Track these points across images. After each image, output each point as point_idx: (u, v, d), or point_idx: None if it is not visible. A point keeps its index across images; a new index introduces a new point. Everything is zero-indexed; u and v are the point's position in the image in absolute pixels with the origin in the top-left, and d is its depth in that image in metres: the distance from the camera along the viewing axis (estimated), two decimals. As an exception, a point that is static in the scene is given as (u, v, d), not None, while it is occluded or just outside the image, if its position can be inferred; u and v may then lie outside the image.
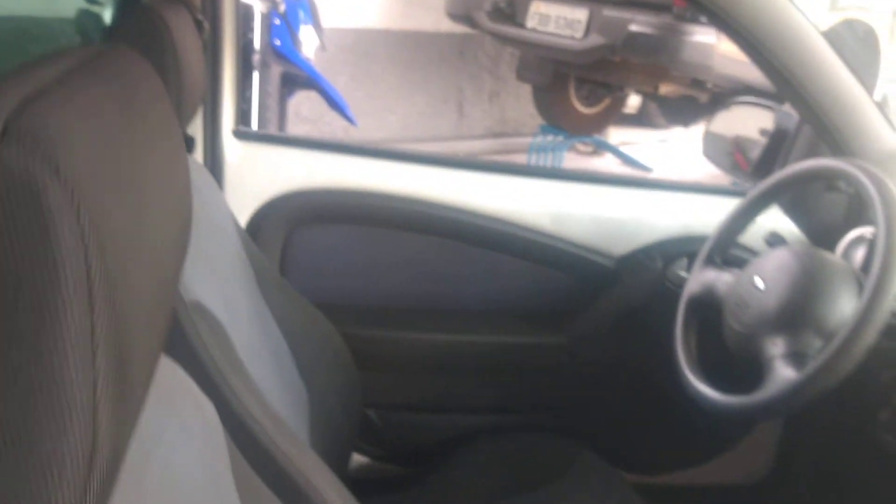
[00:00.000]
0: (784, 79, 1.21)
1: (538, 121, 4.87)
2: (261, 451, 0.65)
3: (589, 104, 4.81)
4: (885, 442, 1.14)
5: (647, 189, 1.50)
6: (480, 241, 1.39)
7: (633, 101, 5.27)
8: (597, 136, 4.83)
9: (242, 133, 1.34)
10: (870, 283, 0.93)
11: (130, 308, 0.27)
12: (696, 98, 4.18)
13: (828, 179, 1.17)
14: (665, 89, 4.11)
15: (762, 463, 1.59)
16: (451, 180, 1.39)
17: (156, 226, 0.31)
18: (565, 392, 1.49)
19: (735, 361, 1.09)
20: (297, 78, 3.26)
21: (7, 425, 0.23)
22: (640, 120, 5.40)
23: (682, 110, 4.44)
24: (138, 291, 0.28)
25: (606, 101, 4.87)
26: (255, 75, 2.91)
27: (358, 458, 1.42)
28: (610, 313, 1.42)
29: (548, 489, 1.25)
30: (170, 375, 0.52)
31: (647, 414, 1.51)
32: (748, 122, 1.54)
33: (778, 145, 1.43)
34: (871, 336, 0.91)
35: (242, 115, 1.41)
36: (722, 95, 3.71)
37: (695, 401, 1.11)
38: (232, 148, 1.32)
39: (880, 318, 0.91)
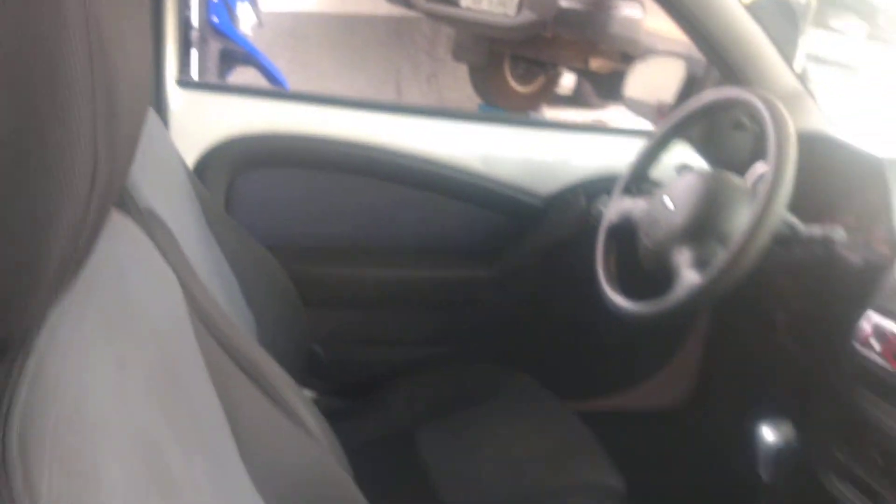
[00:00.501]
0: (690, 21, 1.32)
1: (476, 101, 4.97)
2: (222, 336, 0.69)
3: (524, 83, 4.93)
4: (785, 344, 1.27)
5: (571, 132, 1.61)
6: (416, 183, 1.47)
7: (568, 83, 5.41)
8: (533, 115, 4.95)
9: (185, 82, 1.39)
10: (762, 191, 1.05)
11: (118, 72, 0.34)
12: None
13: (725, 109, 1.28)
14: (595, 64, 4.25)
15: (685, 387, 1.71)
16: (387, 125, 1.46)
17: (134, 28, 0.38)
18: (499, 324, 1.58)
19: (649, 276, 1.20)
20: (235, 54, 3.28)
21: (28, 139, 0.30)
22: (575, 101, 5.54)
23: (614, 86, 4.58)
24: (124, 66, 0.35)
25: (541, 80, 4.99)
26: (194, 52, 2.93)
27: (305, 393, 1.49)
28: (538, 248, 1.53)
29: (486, 411, 1.34)
30: (135, 236, 0.58)
31: (576, 342, 1.62)
32: (662, 74, 1.66)
33: (689, 91, 1.55)
34: (763, 239, 1.02)
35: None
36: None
37: (615, 314, 1.21)
38: (175, 96, 1.37)
39: (771, 223, 1.02)
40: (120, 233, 0.52)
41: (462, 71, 5.13)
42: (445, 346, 1.57)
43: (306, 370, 1.39)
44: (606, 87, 4.72)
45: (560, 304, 1.55)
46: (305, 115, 1.43)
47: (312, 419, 0.76)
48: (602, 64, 4.24)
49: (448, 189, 1.49)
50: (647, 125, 1.88)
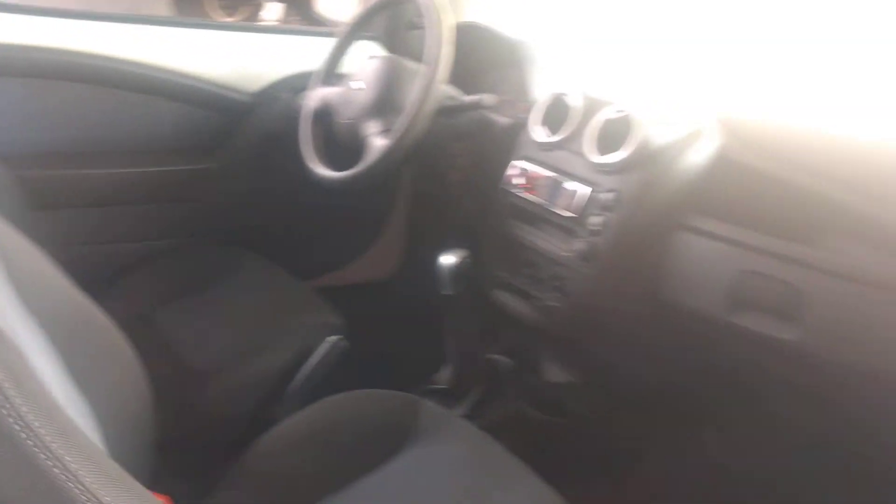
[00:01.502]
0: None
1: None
2: None
3: (228, 13, 4.87)
4: (459, 197, 1.55)
5: (272, 34, 1.74)
6: (133, 87, 1.53)
7: (276, 14, 5.43)
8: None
9: None
10: (422, 68, 1.28)
11: None
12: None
13: (399, 5, 1.50)
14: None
15: (395, 259, 1.98)
16: (102, 34, 1.49)
17: None
18: (226, 212, 1.71)
19: (349, 149, 1.40)
20: None
21: None
22: (283, 32, 5.58)
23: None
24: None
25: (245, 10, 4.96)
26: None
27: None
28: (251, 140, 1.66)
29: (222, 288, 1.48)
30: None
31: (298, 224, 1.79)
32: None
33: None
34: (429, 105, 1.25)
35: None
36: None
37: (323, 185, 1.40)
38: None
39: (434, 92, 1.25)
40: None
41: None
42: (179, 238, 1.66)
43: None
44: (308, 11, 4.83)
45: (278, 189, 1.70)
46: (24, 26, 1.42)
47: None
48: (304, -10, 4.34)
49: (163, 91, 1.56)
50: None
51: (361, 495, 1.02)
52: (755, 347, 1.09)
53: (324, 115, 1.47)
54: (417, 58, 1.58)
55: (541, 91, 1.42)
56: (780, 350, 1.05)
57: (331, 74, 1.52)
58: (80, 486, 0.47)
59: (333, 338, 1.36)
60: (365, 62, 1.46)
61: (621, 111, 1.20)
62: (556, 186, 1.27)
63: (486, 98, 1.36)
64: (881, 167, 1.03)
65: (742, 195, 1.13)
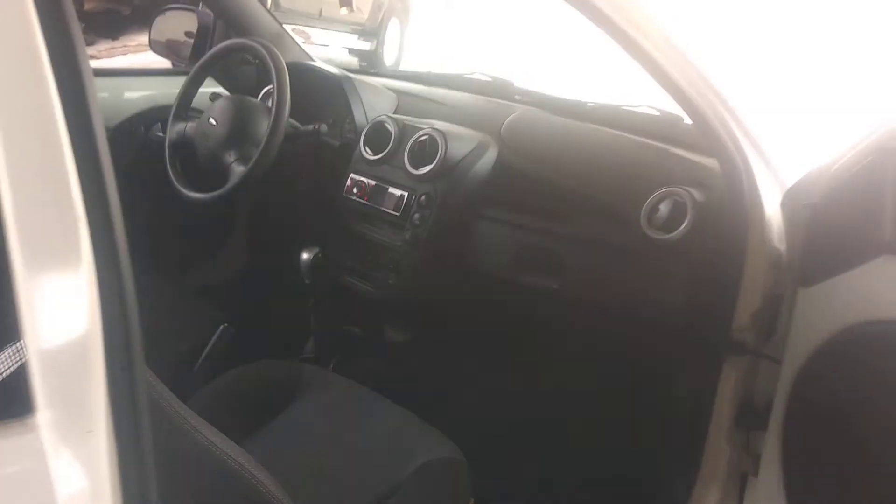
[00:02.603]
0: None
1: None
2: None
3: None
4: (304, 208, 1.91)
5: (122, 77, 1.97)
6: None
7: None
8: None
9: None
10: (274, 106, 1.62)
11: None
12: (120, 11, 4.54)
13: (240, 53, 1.81)
14: (89, 5, 4.37)
15: (237, 264, 2.28)
16: None
17: None
18: None
19: (210, 176, 1.70)
20: None
21: None
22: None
23: (107, 24, 4.74)
24: None
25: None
26: None
27: None
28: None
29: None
30: None
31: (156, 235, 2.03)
32: (180, 24, 2.11)
33: (204, 36, 2.04)
34: (279, 136, 1.60)
35: None
36: (143, 7, 4.16)
37: (190, 203, 1.69)
38: None
39: (282, 125, 1.60)
40: None
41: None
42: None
43: None
44: (101, 25, 4.84)
45: (143, 213, 1.95)
46: None
47: None
48: (95, 4, 4.37)
49: None
50: (170, 64, 2.31)
51: (266, 440, 1.36)
52: (532, 296, 1.57)
53: (183, 146, 1.76)
54: (249, 90, 1.91)
55: (361, 116, 1.81)
56: (549, 296, 1.54)
57: (183, 110, 1.80)
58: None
59: (222, 326, 1.67)
60: (212, 101, 1.76)
61: (427, 133, 1.62)
62: (383, 192, 1.67)
63: (321, 126, 1.74)
64: (595, 162, 1.54)
65: (517, 190, 1.60)
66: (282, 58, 1.64)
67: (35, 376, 0.52)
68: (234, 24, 1.92)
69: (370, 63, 6.36)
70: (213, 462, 0.81)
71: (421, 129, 1.65)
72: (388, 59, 6.82)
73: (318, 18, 5.86)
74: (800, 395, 1.26)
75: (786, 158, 1.35)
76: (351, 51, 6.40)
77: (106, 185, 0.58)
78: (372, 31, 6.53)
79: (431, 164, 1.60)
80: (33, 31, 0.54)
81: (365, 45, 6.55)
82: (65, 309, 0.55)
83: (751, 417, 1.38)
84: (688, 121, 1.29)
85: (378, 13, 6.46)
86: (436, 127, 1.64)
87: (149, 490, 0.59)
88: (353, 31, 6.41)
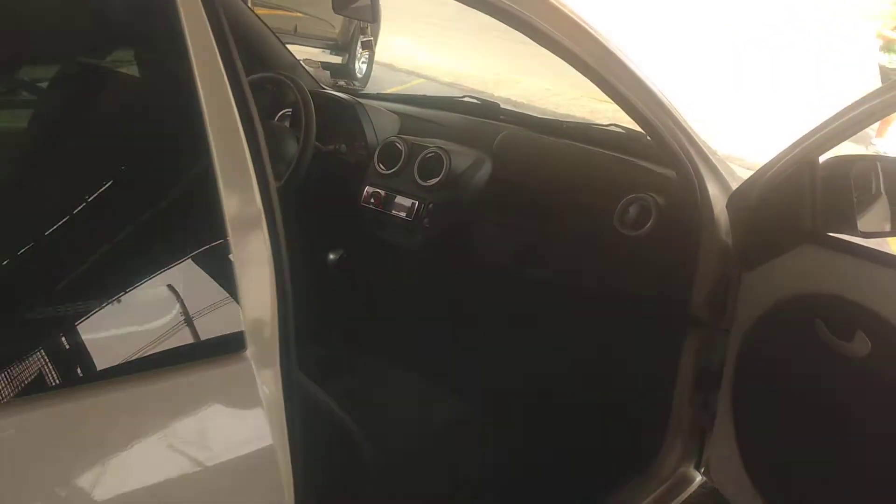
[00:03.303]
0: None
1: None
2: None
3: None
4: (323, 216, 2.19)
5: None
6: None
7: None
8: None
9: None
10: (303, 134, 1.89)
11: None
12: None
13: (268, 84, 2.08)
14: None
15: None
16: None
17: None
18: None
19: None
20: None
21: None
22: None
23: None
24: None
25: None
26: None
27: None
28: None
29: None
30: None
31: None
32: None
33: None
34: (308, 159, 1.87)
35: None
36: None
37: None
38: None
39: (310, 145, 1.88)
40: None
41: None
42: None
43: None
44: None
45: None
46: None
47: None
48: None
49: None
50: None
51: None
52: (525, 285, 1.88)
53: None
54: (267, 113, 2.17)
55: (372, 136, 2.10)
56: (539, 285, 1.85)
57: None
58: None
59: None
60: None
61: (433, 151, 1.92)
62: (396, 201, 1.97)
63: (341, 146, 2.02)
64: (573, 172, 1.85)
65: (509, 197, 1.91)
66: (306, 89, 1.92)
67: (245, 326, 0.81)
68: (256, 56, 2.19)
69: (341, 76, 6.64)
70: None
71: (427, 147, 1.94)
72: (359, 72, 7.11)
73: (294, 35, 6.13)
74: (745, 356, 1.58)
75: (728, 169, 1.68)
76: (323, 64, 6.67)
77: (273, 199, 0.86)
78: (344, 45, 6.82)
79: (438, 176, 1.89)
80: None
81: (336, 59, 6.83)
82: (258, 284, 0.83)
83: (707, 380, 1.69)
84: (648, 138, 1.61)
85: (349, 28, 6.75)
86: (439, 145, 1.94)
87: (294, 403, 0.87)
88: (326, 47, 6.70)
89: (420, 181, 1.92)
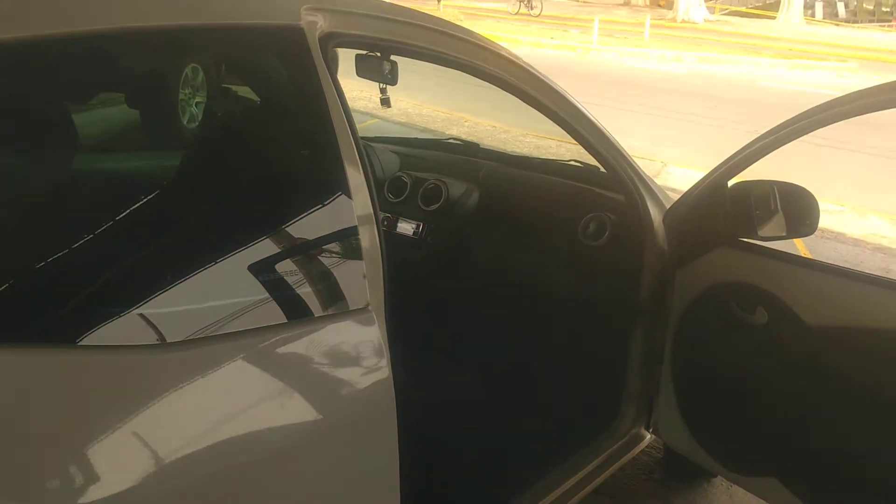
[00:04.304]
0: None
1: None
2: None
3: None
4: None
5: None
6: None
7: None
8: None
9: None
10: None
11: None
12: None
13: None
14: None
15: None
16: None
17: None
18: None
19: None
20: None
21: None
22: None
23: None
24: None
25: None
26: None
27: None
28: None
29: None
30: None
31: None
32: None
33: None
34: None
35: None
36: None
37: None
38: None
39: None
40: None
41: None
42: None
43: None
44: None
45: None
46: None
47: None
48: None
49: None
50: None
51: None
52: (510, 288, 2.36)
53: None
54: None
55: (380, 172, 2.57)
56: (521, 288, 2.34)
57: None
58: None
59: None
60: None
61: (434, 182, 2.41)
62: (403, 223, 2.44)
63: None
64: (545, 198, 2.36)
65: (495, 218, 2.40)
66: None
67: (368, 290, 1.27)
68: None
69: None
70: None
71: (428, 179, 2.43)
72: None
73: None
74: (680, 335, 2.10)
75: (663, 193, 2.21)
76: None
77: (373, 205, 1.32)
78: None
79: (438, 202, 2.38)
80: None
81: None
82: (373, 262, 1.30)
83: (652, 357, 2.20)
84: (602, 170, 2.12)
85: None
86: (438, 178, 2.43)
87: (394, 346, 1.32)
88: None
89: (423, 207, 2.40)
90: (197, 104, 1.64)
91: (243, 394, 1.10)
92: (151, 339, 1.04)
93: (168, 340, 1.05)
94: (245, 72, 1.67)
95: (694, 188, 2.06)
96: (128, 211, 1.20)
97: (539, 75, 1.79)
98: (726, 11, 29.26)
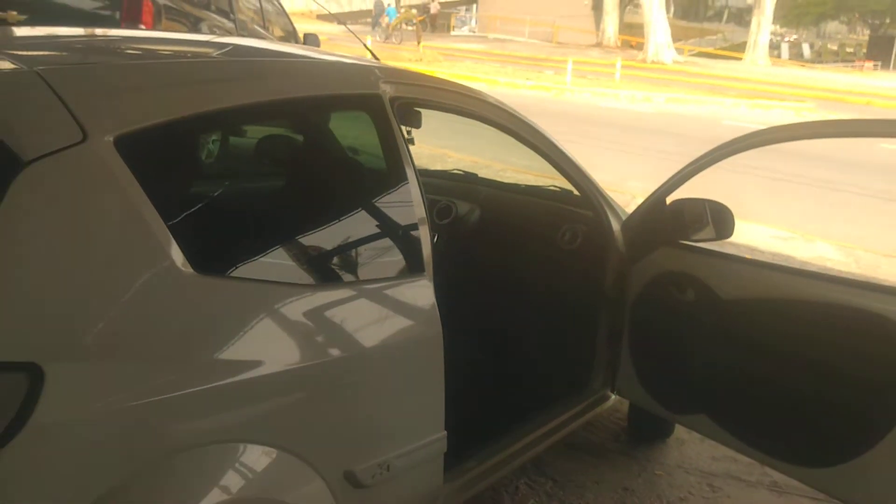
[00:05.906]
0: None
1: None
2: None
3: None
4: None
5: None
6: None
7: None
8: None
9: None
10: None
11: None
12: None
13: None
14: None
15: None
16: None
17: None
18: None
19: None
20: None
21: None
22: None
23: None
24: None
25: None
26: None
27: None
28: None
29: None
30: None
31: None
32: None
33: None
34: None
35: None
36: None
37: None
38: None
39: None
40: None
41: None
42: None
43: None
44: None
45: None
46: None
47: None
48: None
49: None
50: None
51: None
52: (505, 286, 3.05)
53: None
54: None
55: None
56: (514, 286, 3.02)
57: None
58: None
59: None
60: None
61: (445, 203, 3.10)
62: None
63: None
64: (530, 215, 3.07)
65: (493, 231, 3.10)
66: None
67: (424, 263, 1.96)
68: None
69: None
70: None
71: (440, 200, 3.12)
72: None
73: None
74: (635, 315, 2.80)
75: (622, 209, 2.93)
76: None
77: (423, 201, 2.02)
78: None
79: (449, 218, 3.06)
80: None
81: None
82: (426, 244, 1.99)
83: (616, 334, 2.89)
84: (576, 193, 2.83)
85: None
86: (448, 199, 3.12)
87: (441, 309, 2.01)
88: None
89: (437, 221, 3.08)
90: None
91: (355, 319, 1.79)
92: (311, 281, 1.78)
93: (321, 283, 1.79)
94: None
95: (642, 204, 2.78)
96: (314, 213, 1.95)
97: (525, 120, 2.51)
98: (695, 52, 30.58)
